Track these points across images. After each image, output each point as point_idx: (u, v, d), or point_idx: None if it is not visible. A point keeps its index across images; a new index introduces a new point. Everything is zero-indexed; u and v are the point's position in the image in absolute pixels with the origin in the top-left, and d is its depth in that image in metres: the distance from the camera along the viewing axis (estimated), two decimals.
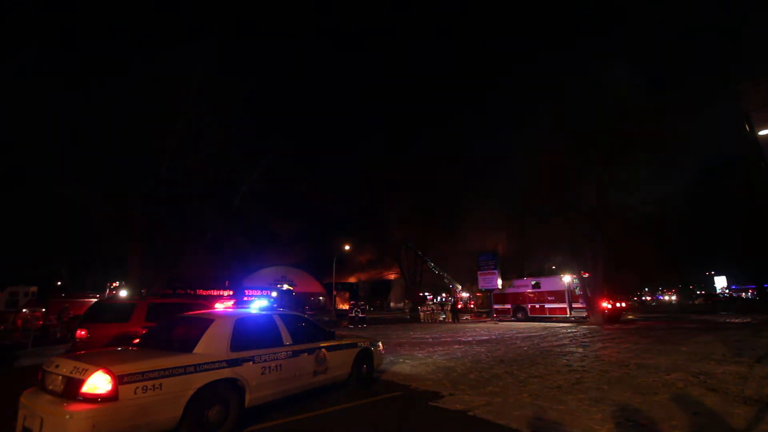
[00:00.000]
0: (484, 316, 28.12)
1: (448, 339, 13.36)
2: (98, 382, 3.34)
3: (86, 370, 3.40)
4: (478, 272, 26.86)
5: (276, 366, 4.73)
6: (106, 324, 7.76)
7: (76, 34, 20.17)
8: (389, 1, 68.32)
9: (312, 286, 40.69)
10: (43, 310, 17.97)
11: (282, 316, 5.48)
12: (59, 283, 30.33)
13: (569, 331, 15.83)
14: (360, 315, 21.74)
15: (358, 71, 69.58)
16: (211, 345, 4.25)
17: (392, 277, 48.36)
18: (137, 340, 4.89)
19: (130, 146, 17.26)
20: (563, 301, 21.79)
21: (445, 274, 42.49)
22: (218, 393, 4.08)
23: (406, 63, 71.01)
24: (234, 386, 4.25)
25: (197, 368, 3.94)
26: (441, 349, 10.68)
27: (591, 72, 20.87)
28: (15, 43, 17.14)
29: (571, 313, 21.44)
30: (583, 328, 16.82)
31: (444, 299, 39.82)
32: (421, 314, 27.30)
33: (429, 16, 69.77)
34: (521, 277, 26.41)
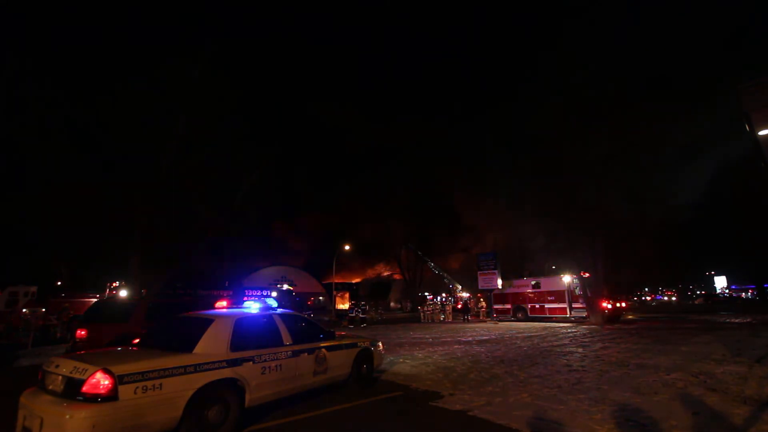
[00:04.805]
0: (482, 315, 28.09)
1: (448, 339, 13.36)
2: (98, 382, 3.34)
3: (86, 370, 3.40)
4: (478, 272, 26.83)
5: (276, 366, 4.73)
6: (106, 324, 7.75)
7: (77, 32, 20.18)
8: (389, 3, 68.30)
9: (312, 286, 40.71)
10: (43, 310, 17.96)
11: (282, 316, 5.47)
12: (59, 283, 30.32)
13: (569, 331, 15.83)
14: (361, 315, 21.73)
15: (358, 69, 69.58)
16: (211, 345, 4.25)
17: (392, 276, 48.38)
18: (137, 340, 4.89)
19: (130, 146, 17.27)
20: (563, 301, 21.78)
21: (445, 274, 42.51)
22: (218, 393, 4.08)
23: (405, 61, 71.03)
24: (234, 386, 4.25)
25: (197, 368, 3.94)
26: (441, 349, 10.68)
27: (590, 70, 20.80)
28: (16, 41, 17.15)
29: (571, 313, 21.43)
30: (583, 328, 16.82)
31: (444, 299, 39.79)
32: (421, 314, 27.29)
33: (423, 21, 69.70)
34: (521, 277, 26.40)
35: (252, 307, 5.67)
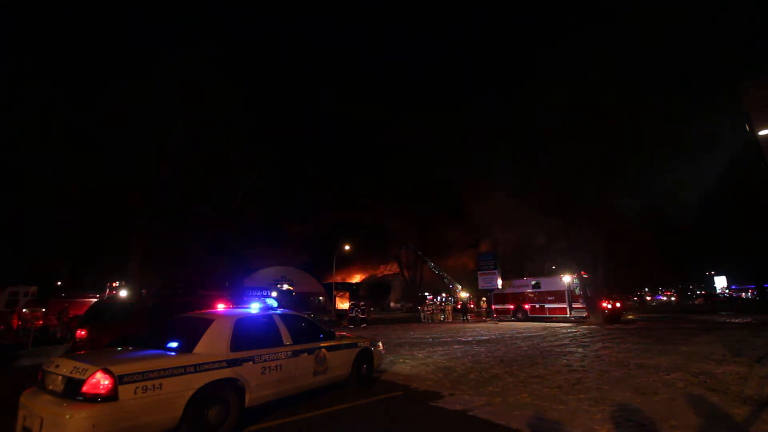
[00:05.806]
0: (484, 315, 28.13)
1: (448, 339, 13.35)
2: (98, 382, 3.34)
3: (86, 370, 3.41)
4: (478, 272, 26.85)
5: (276, 366, 4.73)
6: (106, 324, 7.77)
7: (77, 31, 20.18)
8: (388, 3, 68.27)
9: (312, 286, 40.71)
10: (43, 310, 17.95)
11: (282, 316, 5.48)
12: (59, 283, 30.30)
13: (569, 331, 15.83)
14: (360, 316, 21.69)
15: (358, 67, 69.58)
16: (211, 345, 4.25)
17: (392, 276, 48.39)
18: (137, 341, 4.89)
19: (130, 146, 17.26)
20: (563, 301, 21.79)
21: (445, 274, 42.53)
22: (218, 393, 4.08)
23: (405, 61, 70.99)
24: (234, 386, 4.25)
25: (197, 368, 3.94)
26: (441, 349, 10.68)
27: (591, 71, 20.79)
28: (17, 40, 17.15)
29: (571, 313, 21.44)
30: (583, 328, 16.82)
31: (444, 299, 39.79)
32: (421, 314, 27.31)
33: (423, 20, 69.74)
34: (521, 277, 26.41)
35: (252, 306, 5.69)
